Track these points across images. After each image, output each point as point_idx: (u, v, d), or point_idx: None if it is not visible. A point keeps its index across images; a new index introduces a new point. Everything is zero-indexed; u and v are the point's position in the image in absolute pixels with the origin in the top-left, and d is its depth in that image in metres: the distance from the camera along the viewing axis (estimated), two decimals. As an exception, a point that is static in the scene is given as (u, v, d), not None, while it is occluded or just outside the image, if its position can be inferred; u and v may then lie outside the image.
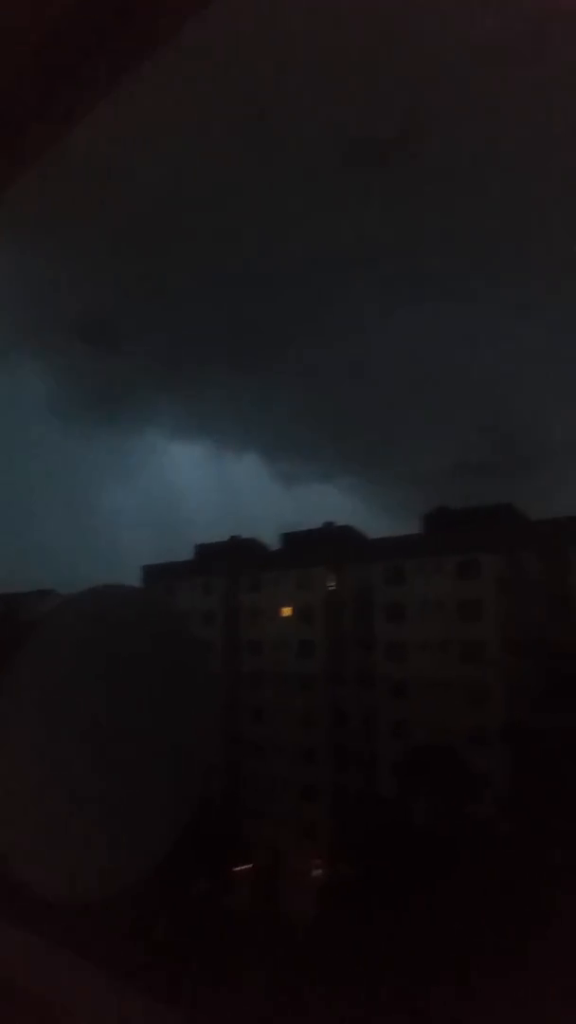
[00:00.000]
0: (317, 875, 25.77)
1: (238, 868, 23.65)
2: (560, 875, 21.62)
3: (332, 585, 45.06)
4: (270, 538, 45.92)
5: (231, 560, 46.80)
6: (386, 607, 42.57)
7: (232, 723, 37.07)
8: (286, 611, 42.88)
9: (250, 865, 24.42)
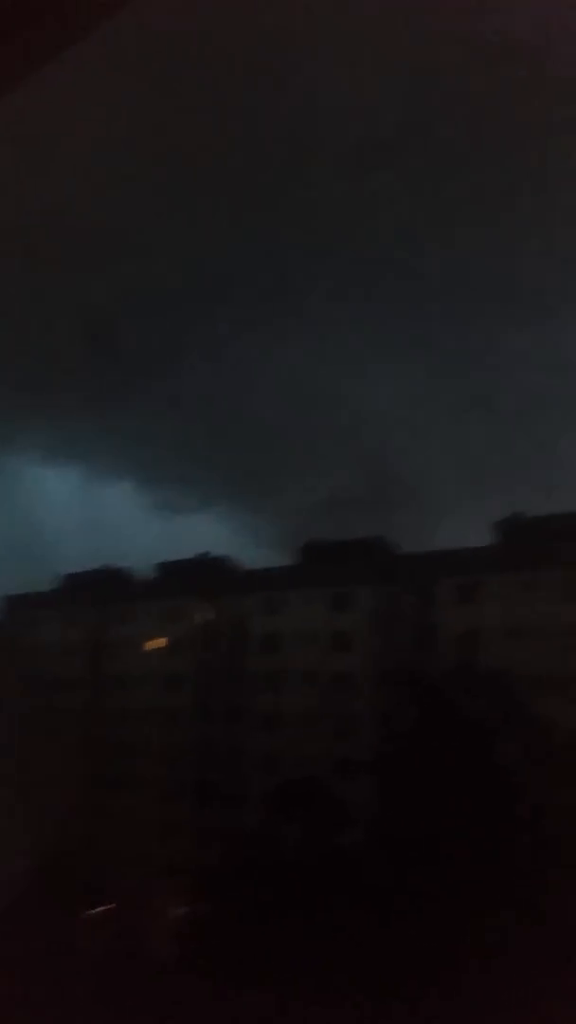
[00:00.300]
0: (178, 914, 25.41)
1: (96, 910, 23.58)
2: (421, 907, 21.91)
3: (205, 616, 44.65)
4: (142, 568, 44.98)
5: (98, 590, 45.49)
6: (260, 639, 42.63)
7: (93, 760, 35.79)
8: (155, 643, 42.01)
9: (108, 906, 24.79)
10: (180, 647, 44.01)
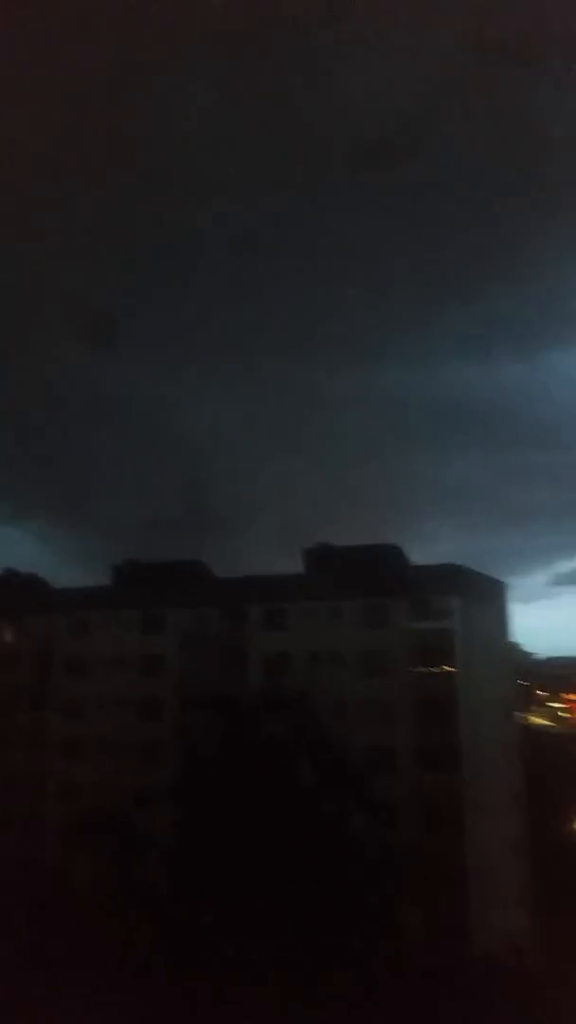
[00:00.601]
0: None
1: None
2: (211, 935, 22.34)
3: (8, 637, 42.78)
4: None
5: None
6: (66, 661, 41.31)
7: None
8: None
9: None
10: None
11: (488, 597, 40.69)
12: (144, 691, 38.70)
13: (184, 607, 40.05)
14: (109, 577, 43.86)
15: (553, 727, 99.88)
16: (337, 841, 25.08)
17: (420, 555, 40.44)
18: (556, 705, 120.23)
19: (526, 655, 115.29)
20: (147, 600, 40.39)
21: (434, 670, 35.77)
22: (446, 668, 35.69)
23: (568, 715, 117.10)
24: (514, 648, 57.57)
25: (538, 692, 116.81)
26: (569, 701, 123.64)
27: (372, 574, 36.65)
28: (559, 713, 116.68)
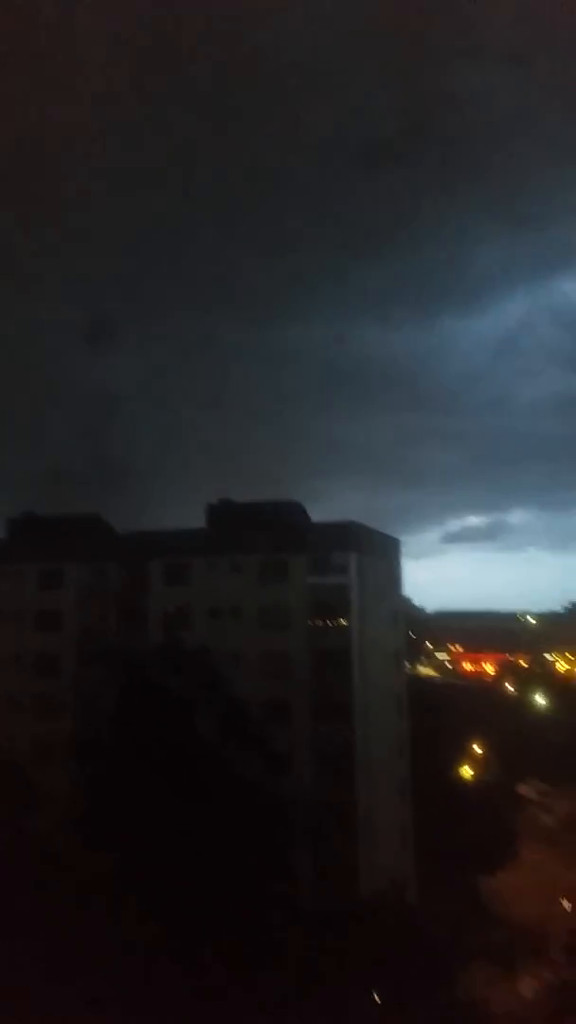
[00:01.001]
0: None
1: None
2: (111, 885, 22.72)
3: None
4: None
5: None
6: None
7: None
8: None
9: None
10: None
11: (383, 554, 42.14)
12: (41, 646, 38.17)
13: (83, 561, 39.52)
14: (5, 530, 42.74)
15: (438, 676, 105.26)
16: (233, 790, 25.71)
17: (319, 513, 41.34)
18: (442, 656, 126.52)
19: (416, 609, 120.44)
20: (45, 554, 39.60)
21: (330, 624, 36.96)
22: (341, 622, 36.92)
23: (452, 665, 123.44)
24: (406, 602, 60.17)
25: (426, 644, 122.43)
26: (454, 652, 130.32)
27: (273, 530, 37.23)
28: (445, 664, 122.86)
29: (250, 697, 31.34)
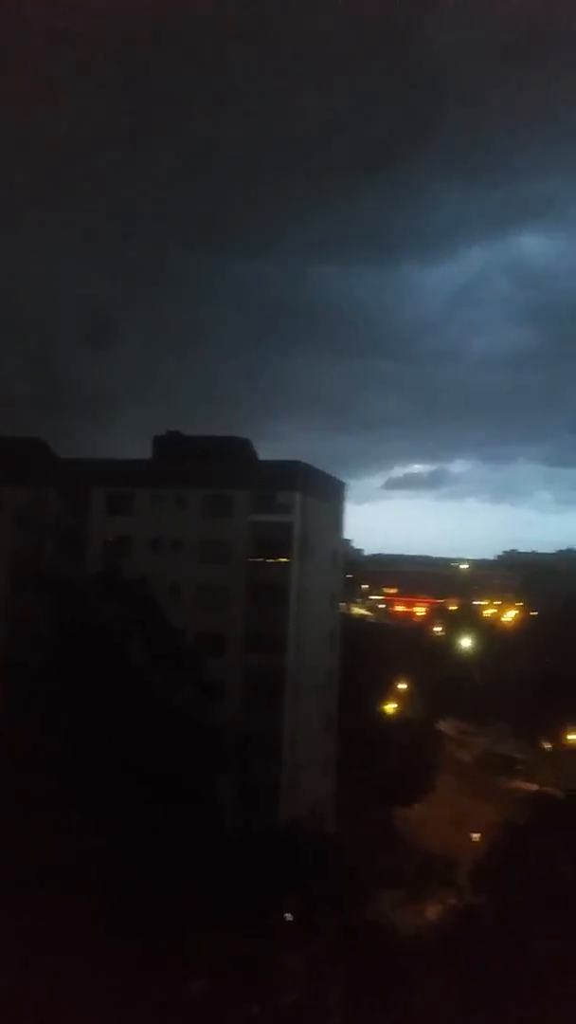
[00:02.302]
0: None
1: None
2: (41, 809, 23.10)
3: None
4: None
5: None
6: None
7: None
8: None
9: None
10: None
11: (327, 495, 42.41)
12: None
13: (21, 485, 38.62)
14: None
15: (370, 616, 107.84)
16: (162, 715, 26.22)
17: (267, 452, 41.31)
18: (376, 597, 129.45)
19: (355, 551, 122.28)
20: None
21: (271, 560, 37.35)
22: (282, 559, 37.32)
23: (386, 607, 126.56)
24: (345, 544, 61.01)
25: (362, 586, 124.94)
26: (387, 594, 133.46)
27: (219, 465, 37.01)
28: (378, 605, 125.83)
29: (186, 628, 31.85)
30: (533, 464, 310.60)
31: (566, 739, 54.05)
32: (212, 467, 36.83)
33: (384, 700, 55.55)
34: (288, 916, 26.33)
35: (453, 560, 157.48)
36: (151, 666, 27.94)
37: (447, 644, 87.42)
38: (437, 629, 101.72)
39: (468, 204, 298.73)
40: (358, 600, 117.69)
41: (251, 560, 37.18)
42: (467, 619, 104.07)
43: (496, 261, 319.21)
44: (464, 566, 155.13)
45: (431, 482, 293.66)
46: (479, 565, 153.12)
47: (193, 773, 25.88)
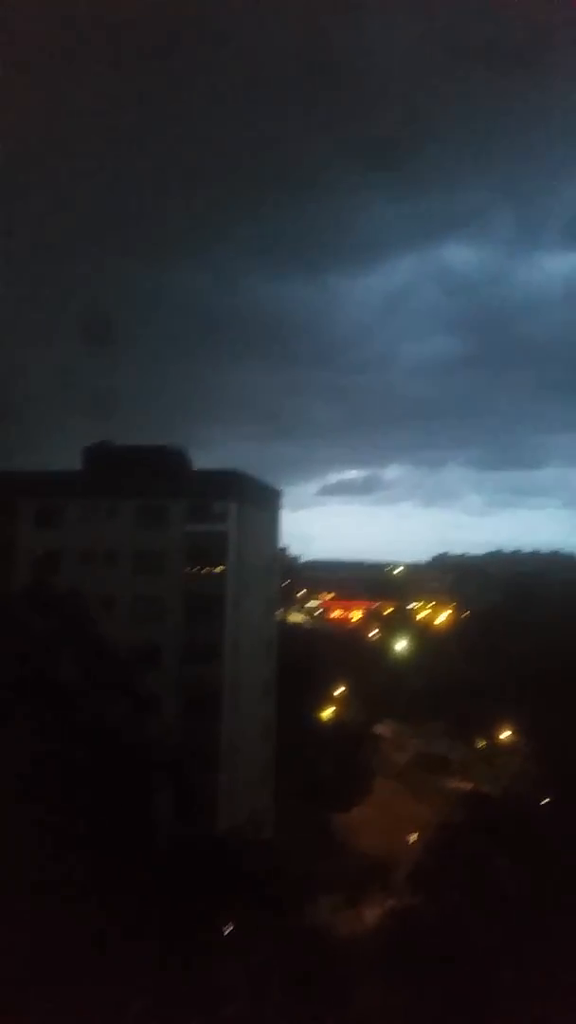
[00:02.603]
0: None
1: None
2: None
3: None
4: None
5: None
6: None
7: None
8: None
9: None
10: None
11: (263, 503, 42.62)
12: None
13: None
14: None
15: (306, 623, 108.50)
16: (94, 731, 25.76)
17: (201, 461, 41.35)
18: (312, 604, 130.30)
19: (291, 558, 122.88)
20: None
21: (206, 570, 37.25)
22: (218, 569, 37.28)
23: (322, 613, 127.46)
24: (281, 551, 61.29)
25: (298, 592, 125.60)
26: (324, 600, 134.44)
27: (152, 475, 36.75)
28: (315, 611, 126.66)
29: (121, 641, 31.43)
30: (462, 468, 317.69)
31: (497, 737, 55.42)
32: (145, 477, 36.53)
33: (322, 706, 55.99)
34: (227, 926, 26.30)
35: (387, 564, 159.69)
36: (83, 681, 27.41)
37: (383, 647, 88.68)
38: (373, 632, 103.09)
39: (399, 213, 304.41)
40: (295, 607, 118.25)
41: (186, 570, 37.04)
42: (402, 622, 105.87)
43: (425, 270, 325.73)
44: (398, 569, 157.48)
45: (365, 488, 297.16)
46: (413, 568, 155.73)
47: (126, 789, 25.47)
